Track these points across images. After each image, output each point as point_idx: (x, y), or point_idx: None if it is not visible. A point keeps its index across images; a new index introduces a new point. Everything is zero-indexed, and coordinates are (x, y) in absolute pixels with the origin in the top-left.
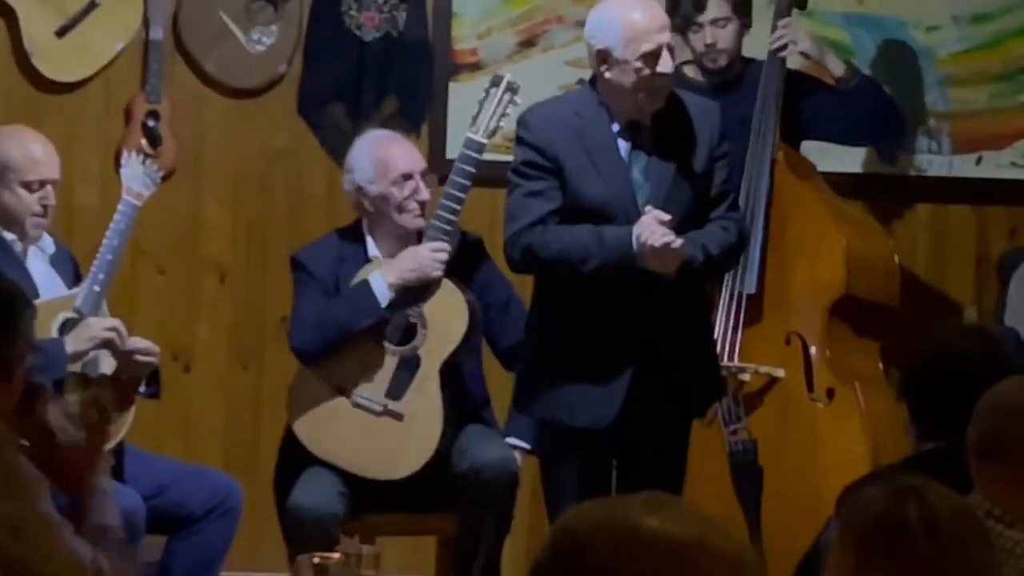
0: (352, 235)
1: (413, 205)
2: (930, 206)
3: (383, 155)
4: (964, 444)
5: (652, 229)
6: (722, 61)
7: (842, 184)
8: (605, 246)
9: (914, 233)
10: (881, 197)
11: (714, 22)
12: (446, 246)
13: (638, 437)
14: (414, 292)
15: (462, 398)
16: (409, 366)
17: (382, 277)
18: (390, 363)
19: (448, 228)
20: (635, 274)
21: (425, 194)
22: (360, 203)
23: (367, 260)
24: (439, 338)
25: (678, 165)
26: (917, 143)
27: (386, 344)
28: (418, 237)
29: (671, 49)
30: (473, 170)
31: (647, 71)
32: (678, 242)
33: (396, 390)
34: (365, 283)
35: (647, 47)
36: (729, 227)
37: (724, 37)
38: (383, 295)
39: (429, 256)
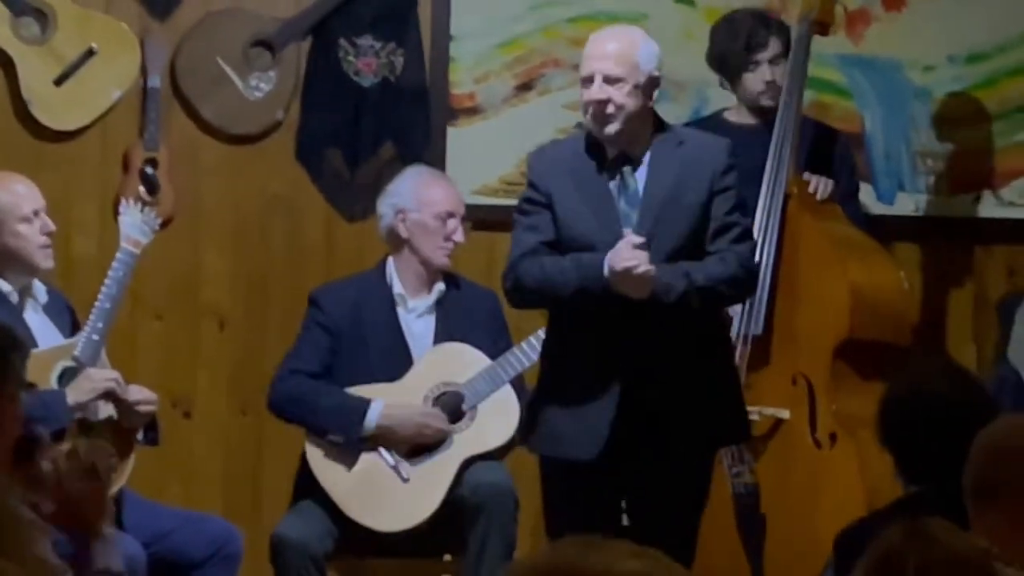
0: (375, 275)
1: (449, 244)
2: (928, 245)
3: (430, 188)
4: (949, 485)
5: (620, 254)
6: (770, 102)
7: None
8: (581, 271)
9: (911, 273)
10: (880, 237)
11: (772, 60)
12: (440, 433)
13: (638, 472)
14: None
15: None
16: (439, 443)
17: (380, 413)
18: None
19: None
20: (616, 301)
21: (460, 236)
22: (395, 228)
23: (392, 298)
24: (477, 437)
25: (671, 197)
26: (915, 183)
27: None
28: (444, 276)
29: (610, 79)
30: None
31: (584, 94)
32: (643, 268)
33: (415, 456)
34: (363, 404)
35: (584, 72)
36: (727, 258)
37: (780, 74)
38: (368, 427)
39: (421, 430)
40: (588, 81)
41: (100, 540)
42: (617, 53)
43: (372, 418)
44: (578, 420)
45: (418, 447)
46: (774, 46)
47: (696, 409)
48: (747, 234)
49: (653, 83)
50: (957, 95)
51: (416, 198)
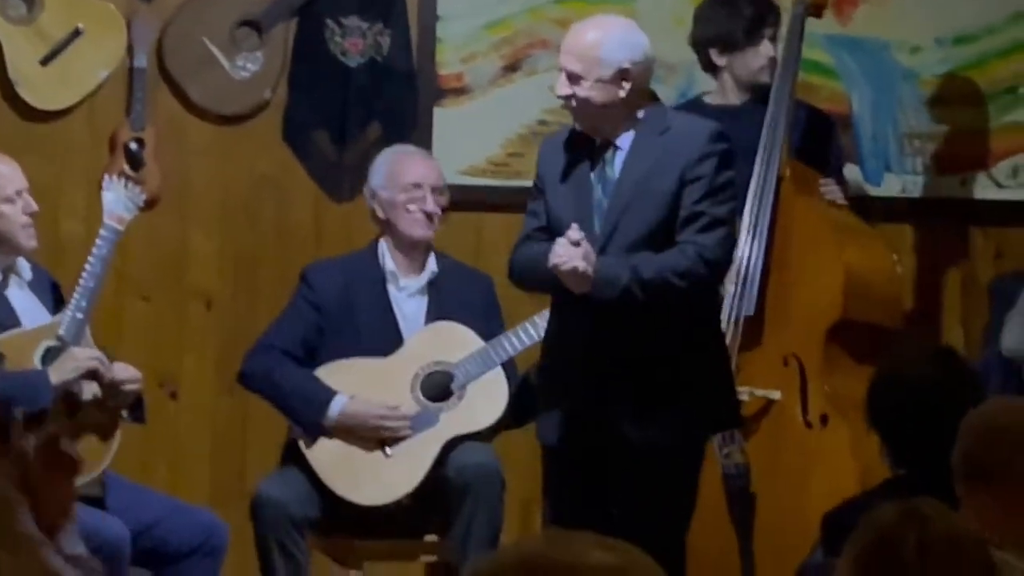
0: (368, 255)
1: (418, 215)
2: (916, 227)
3: (397, 165)
4: (935, 468)
5: (555, 250)
6: (763, 78)
7: (856, 204)
8: (541, 262)
9: (899, 254)
10: (868, 218)
11: (773, 37)
12: (397, 431)
13: (629, 459)
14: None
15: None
16: (425, 421)
17: (342, 407)
18: (409, 407)
19: None
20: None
21: (431, 205)
22: (374, 210)
23: (383, 277)
24: (464, 416)
25: (642, 184)
26: (902, 164)
27: (417, 391)
28: (437, 258)
29: (571, 75)
30: None
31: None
32: (570, 265)
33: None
34: (328, 395)
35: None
36: (686, 250)
37: (764, 57)
38: (330, 418)
39: (379, 431)
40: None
41: (64, 531)
42: (579, 50)
43: (332, 413)
44: (548, 407)
45: None
46: (774, 24)
47: (685, 398)
48: (715, 223)
49: (623, 75)
50: (945, 76)
51: (386, 177)
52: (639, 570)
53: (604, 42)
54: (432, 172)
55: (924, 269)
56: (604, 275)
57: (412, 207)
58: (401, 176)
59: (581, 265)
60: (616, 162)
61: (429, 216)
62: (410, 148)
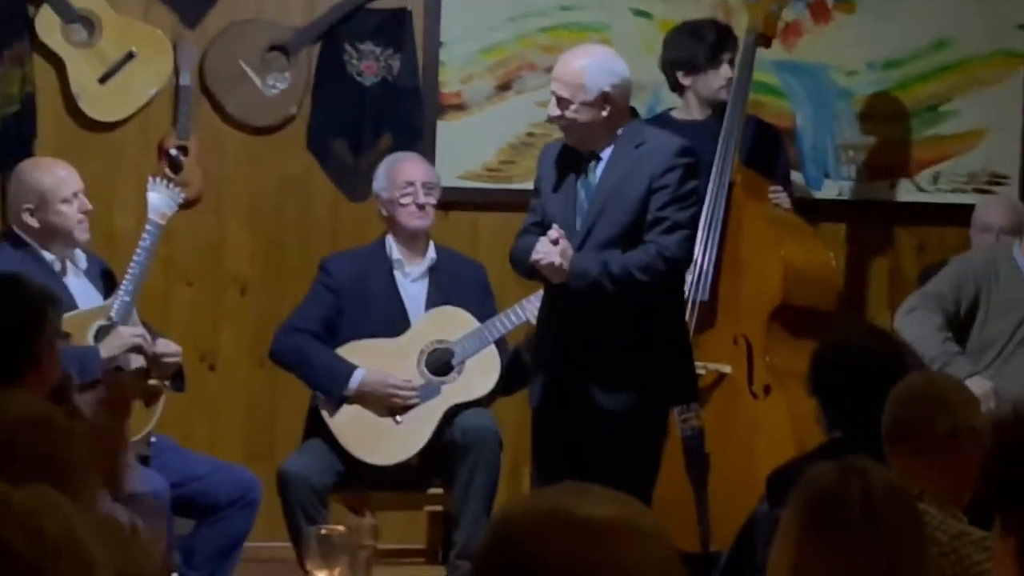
0: (377, 246)
1: (412, 207)
2: (850, 225)
3: (393, 168)
4: (869, 431)
5: (536, 247)
6: (714, 96)
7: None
8: (527, 256)
9: (836, 249)
10: (810, 218)
11: (731, 61)
12: (408, 400)
13: (590, 421)
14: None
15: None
16: (429, 392)
17: (361, 378)
18: (416, 380)
19: None
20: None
21: (421, 198)
22: (379, 210)
23: (390, 264)
24: (464, 387)
25: (616, 191)
26: (839, 171)
27: (423, 366)
28: (436, 249)
29: (561, 100)
30: None
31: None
32: (547, 260)
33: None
34: (350, 368)
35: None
36: (649, 249)
37: (720, 79)
38: (350, 388)
39: (391, 398)
40: (553, 96)
41: (124, 469)
42: (566, 78)
43: (353, 383)
44: (538, 376)
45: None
46: (732, 50)
47: (652, 374)
48: (677, 227)
49: (606, 98)
50: (875, 96)
51: (385, 180)
52: (641, 521)
53: (588, 70)
54: (421, 171)
55: (857, 261)
56: (577, 269)
57: (406, 200)
58: (397, 177)
59: (557, 260)
60: (597, 171)
61: (421, 207)
62: (405, 154)
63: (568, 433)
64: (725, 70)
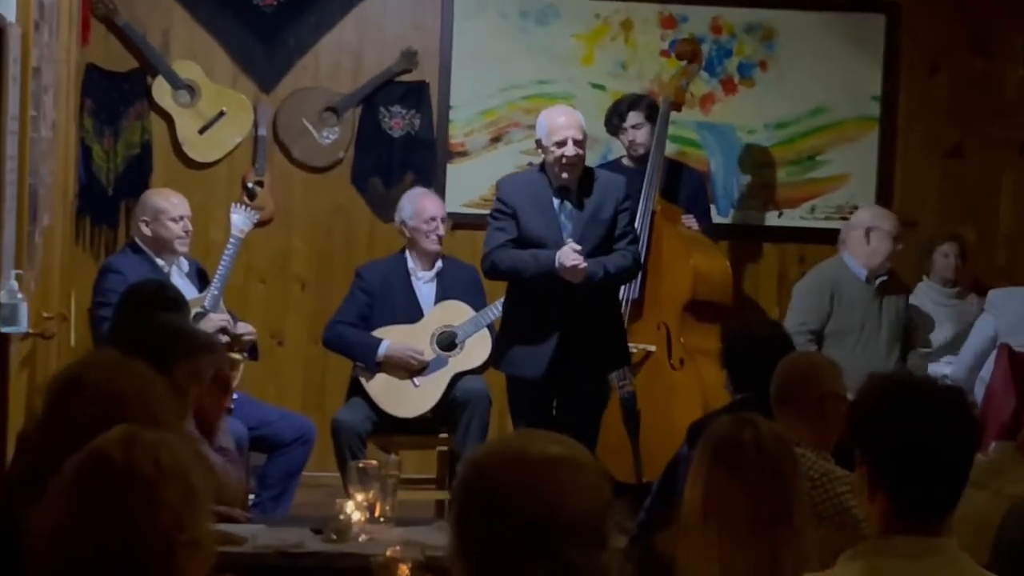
0: (399, 257)
1: (433, 236)
2: (749, 243)
3: (419, 203)
4: (764, 394)
5: (567, 255)
6: (642, 151)
7: (708, 228)
8: (538, 262)
9: (739, 260)
10: (720, 238)
11: (634, 127)
12: (421, 362)
13: (567, 385)
14: (450, 340)
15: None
16: (438, 363)
17: (387, 347)
18: (428, 354)
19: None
20: (557, 280)
21: (442, 230)
22: (402, 231)
23: (408, 271)
24: (464, 359)
25: (592, 214)
26: (741, 204)
27: (434, 344)
28: (442, 257)
29: (577, 142)
30: None
31: (556, 153)
32: (582, 264)
33: (424, 372)
34: (377, 342)
35: (556, 136)
36: (626, 255)
37: (641, 136)
38: (380, 355)
39: (409, 361)
40: (563, 144)
41: (219, 429)
42: (580, 126)
43: (381, 352)
44: (530, 353)
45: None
46: (633, 118)
47: (603, 347)
48: (636, 239)
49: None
50: (770, 148)
51: (412, 212)
52: (582, 459)
53: (582, 120)
54: (441, 208)
55: (753, 270)
56: (590, 271)
57: (429, 232)
58: (422, 212)
59: (582, 263)
60: (574, 198)
61: (439, 238)
62: (425, 191)
63: (540, 391)
64: (628, 134)
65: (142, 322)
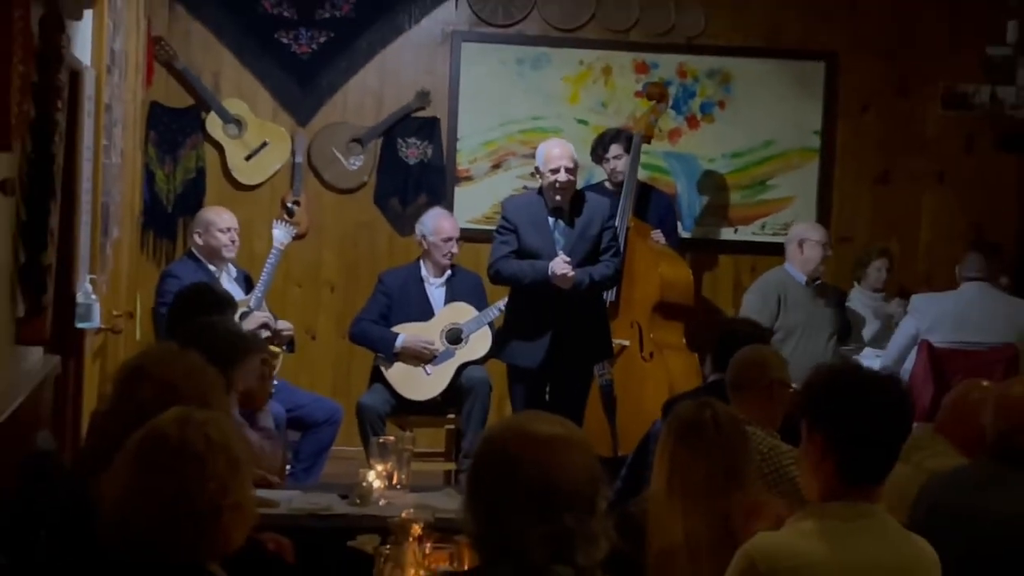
0: (414, 266)
1: (448, 254)
2: (709, 255)
3: (439, 224)
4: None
5: (558, 265)
6: (621, 178)
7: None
8: (535, 271)
9: (700, 269)
10: (685, 250)
11: (615, 157)
12: (432, 353)
13: (559, 374)
14: (456, 335)
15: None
16: (447, 355)
17: (403, 339)
18: (439, 347)
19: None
20: (550, 286)
21: (455, 249)
22: (420, 244)
23: (422, 277)
24: (469, 351)
25: (581, 232)
26: (703, 221)
27: (443, 338)
28: (451, 267)
29: (568, 170)
30: None
31: (551, 179)
32: (570, 273)
33: (434, 362)
34: (394, 336)
35: (551, 165)
36: (609, 265)
37: (620, 165)
38: (397, 346)
39: (422, 352)
40: (557, 171)
41: (261, 412)
42: (572, 156)
43: (398, 344)
44: (528, 346)
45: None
46: (614, 150)
47: (588, 343)
48: (619, 252)
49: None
50: (727, 174)
51: (432, 229)
52: (579, 439)
53: (574, 152)
54: (456, 230)
55: (712, 277)
56: (577, 279)
57: (445, 250)
58: (440, 232)
59: (571, 272)
60: (565, 218)
61: (451, 255)
62: (445, 212)
63: (535, 378)
64: (609, 163)
65: (199, 323)
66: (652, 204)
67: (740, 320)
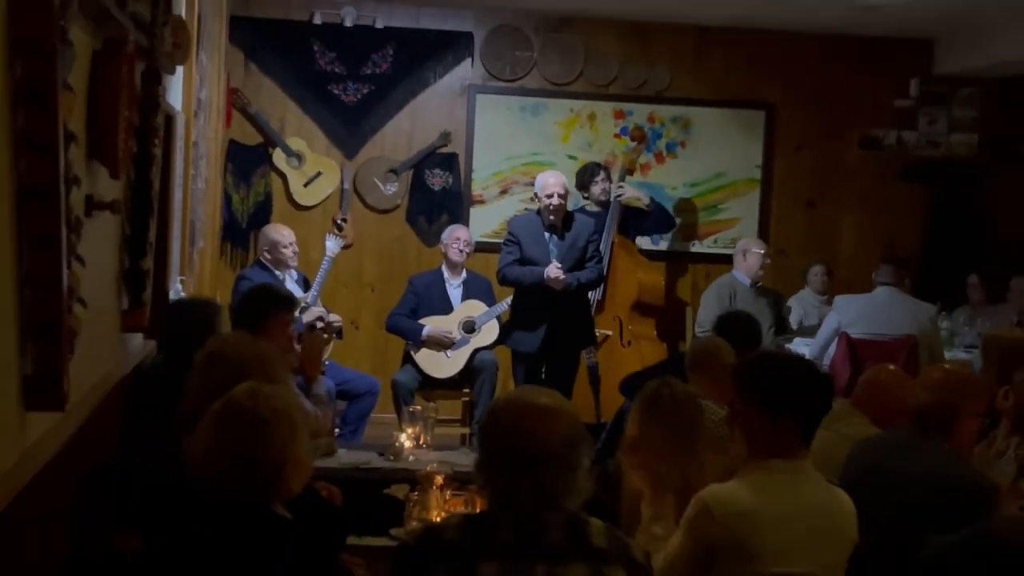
0: (437, 271)
1: (455, 248)
2: (673, 263)
3: (451, 232)
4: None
5: (551, 270)
6: (603, 198)
7: (646, 254)
8: (533, 275)
9: (666, 275)
10: (654, 259)
11: (602, 180)
12: (451, 340)
13: (553, 357)
14: (470, 325)
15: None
16: (463, 342)
17: (427, 330)
18: (456, 335)
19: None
20: (546, 287)
21: (463, 247)
22: (441, 248)
23: (443, 279)
24: (481, 339)
25: (570, 244)
26: (669, 237)
27: (460, 328)
28: (467, 271)
29: (560, 195)
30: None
31: (547, 202)
32: (562, 277)
33: (453, 347)
34: (420, 327)
35: (546, 192)
36: (593, 271)
37: (599, 191)
38: (423, 335)
39: (443, 339)
40: (551, 196)
41: (315, 381)
42: (564, 184)
43: (424, 333)
44: (528, 335)
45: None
46: (604, 177)
47: (576, 332)
48: (601, 260)
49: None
50: (688, 199)
51: (445, 235)
52: (563, 408)
53: (566, 181)
54: (466, 233)
55: (678, 282)
56: (568, 281)
57: (452, 246)
58: (452, 236)
59: (562, 276)
60: (558, 234)
61: (460, 251)
62: (460, 226)
63: (534, 361)
64: (599, 186)
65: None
66: (632, 221)
67: (739, 313)
